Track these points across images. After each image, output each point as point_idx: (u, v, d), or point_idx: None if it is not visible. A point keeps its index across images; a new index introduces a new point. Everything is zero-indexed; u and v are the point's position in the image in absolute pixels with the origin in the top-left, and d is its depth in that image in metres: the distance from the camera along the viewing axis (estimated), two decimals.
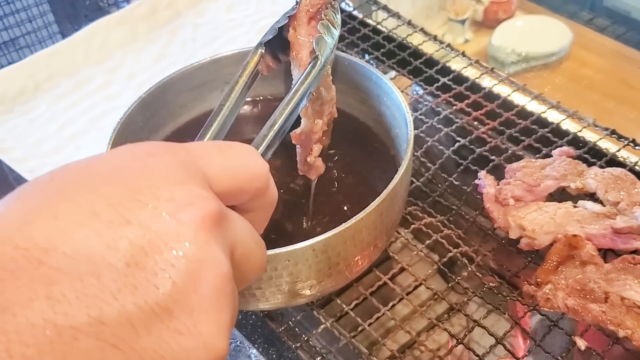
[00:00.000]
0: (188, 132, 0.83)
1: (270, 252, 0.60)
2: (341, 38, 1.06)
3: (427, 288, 0.78)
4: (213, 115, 0.61)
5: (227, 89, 0.65)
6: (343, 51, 0.99)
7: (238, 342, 0.78)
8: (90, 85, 1.02)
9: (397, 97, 0.74)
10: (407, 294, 0.79)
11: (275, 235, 0.71)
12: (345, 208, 0.74)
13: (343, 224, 0.61)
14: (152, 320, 0.30)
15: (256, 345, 0.77)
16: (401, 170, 0.65)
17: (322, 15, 0.68)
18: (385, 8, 1.13)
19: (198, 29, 1.09)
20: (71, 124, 0.97)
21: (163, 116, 0.80)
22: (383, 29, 1.08)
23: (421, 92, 0.99)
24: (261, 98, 0.87)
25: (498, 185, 0.80)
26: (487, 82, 0.98)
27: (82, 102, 1.00)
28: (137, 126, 0.77)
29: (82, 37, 1.06)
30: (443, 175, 0.87)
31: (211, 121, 0.60)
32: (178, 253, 0.31)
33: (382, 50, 1.04)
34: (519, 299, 0.73)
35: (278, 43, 0.71)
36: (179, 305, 0.31)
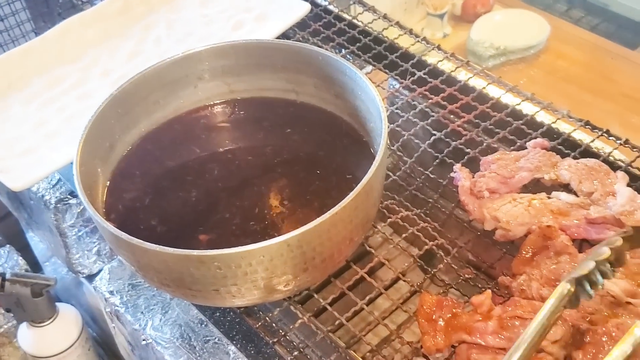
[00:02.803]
0: (162, 131, 0.83)
1: (245, 248, 0.60)
2: (316, 32, 1.06)
3: (405, 282, 0.78)
4: None
5: None
6: (319, 46, 0.99)
7: (216, 339, 0.78)
8: (64, 84, 1.01)
9: (371, 91, 0.74)
10: (386, 288, 0.79)
11: (249, 231, 0.71)
12: (320, 202, 0.74)
13: (318, 218, 0.61)
14: None
15: (234, 342, 0.77)
16: (375, 164, 0.65)
17: None
18: (360, 2, 1.13)
19: (172, 25, 1.09)
20: (45, 123, 0.95)
21: (136, 113, 0.80)
22: (359, 23, 1.08)
23: (397, 86, 0.99)
24: (239, 98, 0.86)
25: (473, 177, 0.81)
26: (462, 75, 0.98)
27: (56, 101, 0.99)
28: (109, 124, 0.77)
29: (55, 34, 1.05)
30: (419, 168, 0.87)
31: None
32: None
33: (358, 44, 1.04)
34: (495, 289, 0.73)
35: None
36: None
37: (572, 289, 0.61)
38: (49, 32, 1.05)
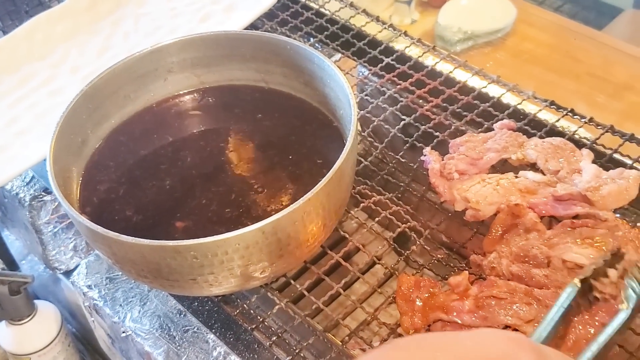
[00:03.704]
0: (134, 122, 0.83)
1: (220, 236, 0.61)
2: (284, 22, 1.07)
3: (380, 265, 0.79)
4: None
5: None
6: (287, 35, 1.00)
7: (195, 329, 0.79)
8: (33, 81, 1.01)
9: (339, 79, 0.75)
10: (362, 272, 0.80)
11: (223, 217, 0.72)
12: (293, 188, 0.75)
13: (291, 205, 0.62)
14: None
15: (213, 330, 0.78)
16: (346, 150, 0.67)
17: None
18: None
19: (140, 20, 1.09)
20: (16, 121, 0.95)
21: (107, 108, 0.80)
22: (326, 12, 1.09)
23: (366, 72, 1.00)
24: (208, 87, 0.87)
25: (443, 160, 0.82)
26: (429, 60, 0.99)
27: (27, 98, 0.99)
28: (81, 119, 0.77)
29: (23, 32, 1.05)
30: (390, 153, 0.89)
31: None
32: None
33: (325, 32, 1.05)
34: (467, 268, 0.75)
35: None
36: None
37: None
38: (17, 30, 1.05)
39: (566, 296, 0.60)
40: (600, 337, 0.57)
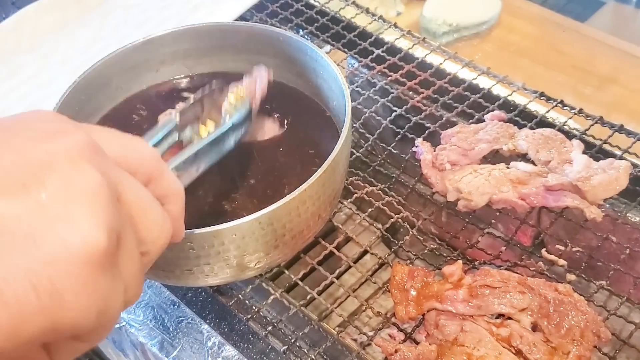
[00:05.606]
0: (124, 114, 0.83)
1: (217, 227, 0.61)
2: (274, 14, 1.07)
3: (372, 255, 0.80)
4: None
5: None
6: (277, 27, 1.00)
7: (189, 319, 0.79)
8: (23, 73, 1.01)
9: (333, 70, 0.75)
10: (354, 262, 0.81)
11: (217, 209, 0.72)
12: (287, 180, 0.75)
13: (287, 196, 0.62)
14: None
15: (207, 321, 0.78)
16: (340, 141, 0.67)
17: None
18: None
19: (129, 11, 1.08)
20: (7, 113, 0.95)
21: (99, 99, 0.80)
22: (315, 4, 1.09)
23: (356, 64, 1.01)
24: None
25: (434, 151, 0.83)
26: (419, 52, 1.00)
27: (16, 90, 0.98)
28: (73, 110, 0.76)
29: (11, 24, 1.04)
30: (382, 145, 0.89)
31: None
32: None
33: (315, 24, 1.05)
34: (459, 258, 0.76)
35: None
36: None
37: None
38: (4, 22, 1.04)
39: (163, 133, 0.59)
40: (197, 145, 0.58)
